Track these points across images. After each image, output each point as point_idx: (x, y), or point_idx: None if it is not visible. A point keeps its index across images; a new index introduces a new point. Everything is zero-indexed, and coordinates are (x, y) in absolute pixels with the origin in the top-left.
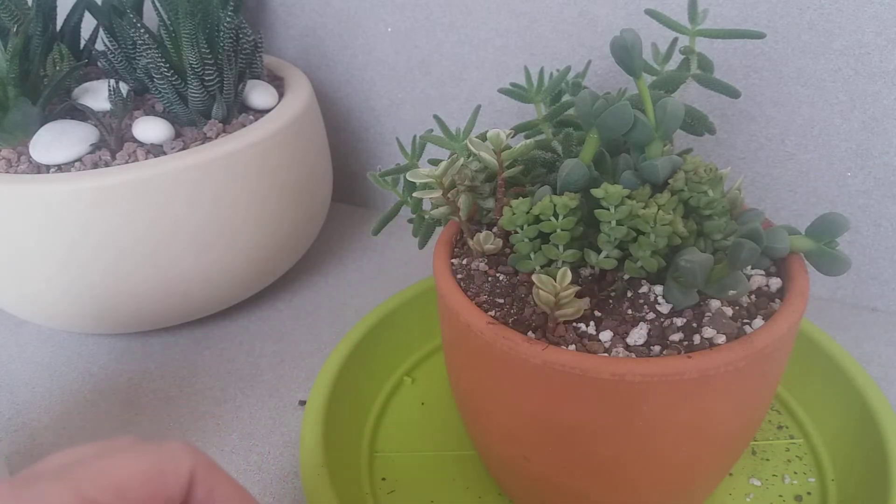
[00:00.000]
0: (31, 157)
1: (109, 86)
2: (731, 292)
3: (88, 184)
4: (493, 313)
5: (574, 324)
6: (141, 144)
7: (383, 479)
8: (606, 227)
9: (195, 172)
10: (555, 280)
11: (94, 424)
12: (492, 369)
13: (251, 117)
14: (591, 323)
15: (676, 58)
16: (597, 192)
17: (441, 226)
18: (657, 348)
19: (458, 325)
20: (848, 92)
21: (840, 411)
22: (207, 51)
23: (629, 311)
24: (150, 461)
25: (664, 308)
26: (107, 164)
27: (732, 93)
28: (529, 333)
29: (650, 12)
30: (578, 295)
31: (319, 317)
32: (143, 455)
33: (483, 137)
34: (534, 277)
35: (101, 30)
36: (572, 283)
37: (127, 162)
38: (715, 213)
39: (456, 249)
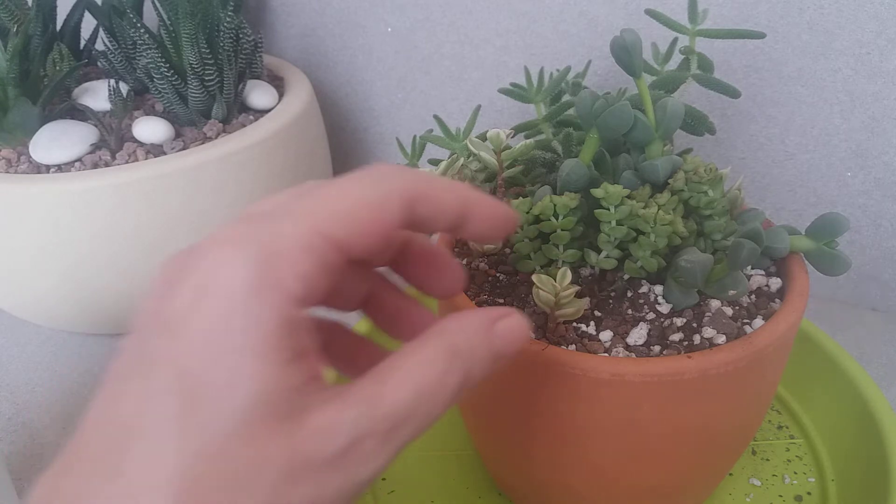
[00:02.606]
0: (31, 156)
1: (109, 86)
2: (731, 292)
3: (88, 184)
4: None
5: (574, 324)
6: (141, 144)
7: (383, 478)
8: (606, 227)
9: (195, 172)
10: (555, 280)
11: None
12: None
13: (251, 117)
14: (592, 323)
15: (676, 58)
16: (597, 192)
17: None
18: (657, 348)
19: None
20: (848, 92)
21: (840, 411)
22: (207, 51)
23: (629, 311)
24: (371, 188)
25: (664, 308)
26: (107, 164)
27: (732, 93)
28: None
29: (650, 12)
30: (578, 295)
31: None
32: (360, 183)
33: (483, 137)
34: (534, 278)
35: (101, 30)
36: (572, 283)
37: (127, 162)
38: (715, 213)
39: (456, 249)
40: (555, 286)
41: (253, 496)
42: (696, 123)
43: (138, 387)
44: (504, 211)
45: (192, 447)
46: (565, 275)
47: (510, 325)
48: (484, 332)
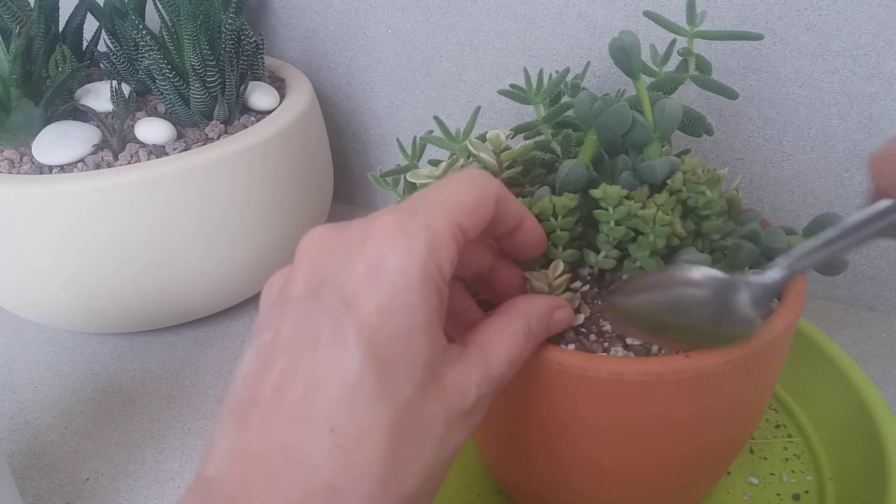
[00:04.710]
0: (33, 157)
1: (112, 87)
2: None
3: (91, 184)
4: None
5: None
6: (143, 145)
7: None
8: (605, 227)
9: (197, 173)
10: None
11: (97, 423)
12: None
13: (253, 118)
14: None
15: (675, 59)
16: (595, 193)
17: None
18: (655, 347)
19: None
20: (845, 93)
21: (837, 410)
22: (209, 52)
23: None
24: (479, 188)
25: None
26: (109, 165)
27: (730, 94)
28: None
29: (648, 14)
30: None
31: None
32: (471, 185)
33: (483, 138)
34: (527, 273)
35: (103, 31)
36: (570, 282)
37: (129, 163)
38: (713, 213)
39: None
40: (548, 276)
41: (430, 441)
42: (694, 124)
43: (332, 355)
44: (542, 232)
45: (389, 405)
46: (557, 265)
47: (563, 314)
48: (547, 316)
